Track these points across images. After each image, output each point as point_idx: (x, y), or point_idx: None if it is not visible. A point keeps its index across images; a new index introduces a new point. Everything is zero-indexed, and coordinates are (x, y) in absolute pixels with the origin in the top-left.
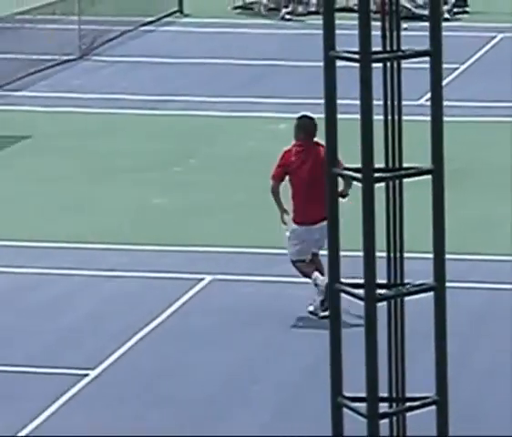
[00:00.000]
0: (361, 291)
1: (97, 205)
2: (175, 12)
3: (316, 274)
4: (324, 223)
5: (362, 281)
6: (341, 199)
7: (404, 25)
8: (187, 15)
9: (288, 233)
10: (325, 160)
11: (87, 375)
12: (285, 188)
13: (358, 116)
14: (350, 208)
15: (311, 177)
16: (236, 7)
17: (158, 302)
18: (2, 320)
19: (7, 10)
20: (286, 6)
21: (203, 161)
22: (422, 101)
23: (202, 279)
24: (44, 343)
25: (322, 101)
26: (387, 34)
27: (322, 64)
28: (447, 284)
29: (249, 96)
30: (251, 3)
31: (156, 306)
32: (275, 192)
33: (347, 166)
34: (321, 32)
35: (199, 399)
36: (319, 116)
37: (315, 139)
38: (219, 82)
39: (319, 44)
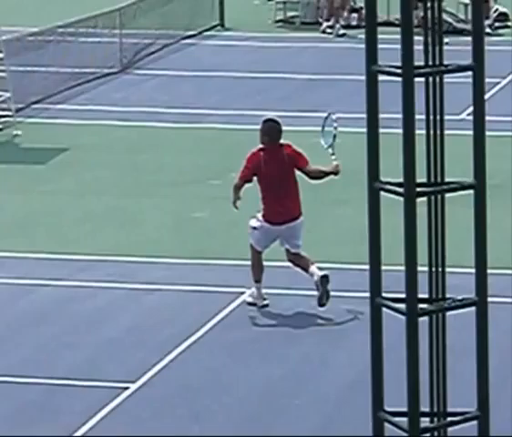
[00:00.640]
0: (402, 306)
1: (137, 218)
2: (216, 26)
3: (253, 290)
4: (293, 223)
5: (403, 296)
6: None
7: (446, 39)
8: (228, 29)
9: (254, 223)
10: (367, 175)
11: (127, 388)
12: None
13: (400, 131)
14: (392, 222)
15: (277, 179)
16: (277, 21)
17: (198, 316)
18: (44, 332)
19: (49, 23)
20: (327, 20)
21: None
22: (463, 115)
23: (243, 293)
24: (85, 356)
25: (364, 115)
26: (429, 48)
27: (363, 78)
28: (489, 299)
29: (289, 110)
30: (292, 17)
31: (196, 319)
32: (237, 188)
33: (389, 180)
34: (362, 46)
35: (240, 413)
36: (361, 131)
37: (280, 142)
38: (259, 96)
39: (360, 58)
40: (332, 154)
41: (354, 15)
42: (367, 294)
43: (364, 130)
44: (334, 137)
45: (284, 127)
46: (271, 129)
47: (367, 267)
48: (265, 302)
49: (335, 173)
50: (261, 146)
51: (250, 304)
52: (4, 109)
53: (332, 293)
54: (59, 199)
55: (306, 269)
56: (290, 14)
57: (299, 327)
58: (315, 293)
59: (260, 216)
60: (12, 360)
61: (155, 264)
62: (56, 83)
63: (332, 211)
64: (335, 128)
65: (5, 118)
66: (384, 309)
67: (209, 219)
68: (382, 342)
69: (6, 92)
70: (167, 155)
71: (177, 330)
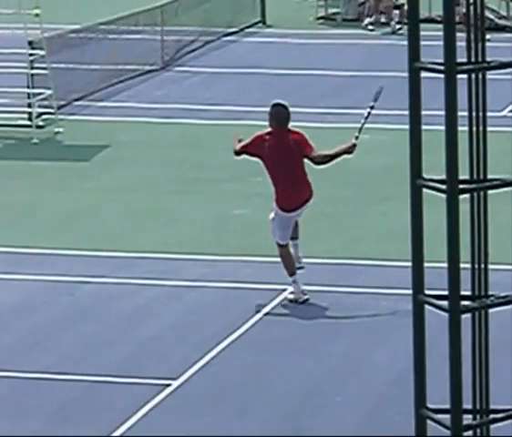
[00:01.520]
0: (445, 303)
1: (178, 215)
2: (257, 22)
3: (295, 278)
4: (305, 206)
5: (446, 293)
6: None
7: (487, 36)
8: (269, 26)
9: (272, 215)
10: (409, 172)
11: (169, 385)
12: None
13: (442, 128)
14: (434, 218)
15: (286, 164)
16: (318, 18)
17: (240, 313)
18: (86, 330)
19: (91, 20)
20: (370, 16)
21: None
22: (505, 112)
23: (284, 290)
24: (126, 353)
25: (406, 112)
26: (472, 45)
27: (404, 74)
28: None
29: (332, 106)
30: (334, 13)
31: (238, 316)
32: (235, 152)
33: (431, 177)
34: (403, 42)
35: (281, 410)
36: (403, 128)
37: (289, 127)
38: (301, 93)
39: (401, 54)
40: (358, 132)
41: (396, 11)
42: (409, 291)
43: (406, 127)
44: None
45: (325, 124)
46: (280, 114)
47: (409, 264)
48: (305, 297)
49: (349, 151)
50: (269, 129)
51: (291, 301)
52: (45, 106)
53: (373, 290)
54: (100, 196)
55: (290, 272)
56: (331, 10)
57: (340, 324)
58: (355, 290)
59: (274, 205)
60: (54, 358)
61: (196, 261)
62: (97, 80)
63: (375, 208)
64: (371, 108)
65: (47, 116)
66: (426, 306)
67: (250, 216)
68: (424, 339)
69: (48, 89)
70: (207, 152)
71: (218, 327)
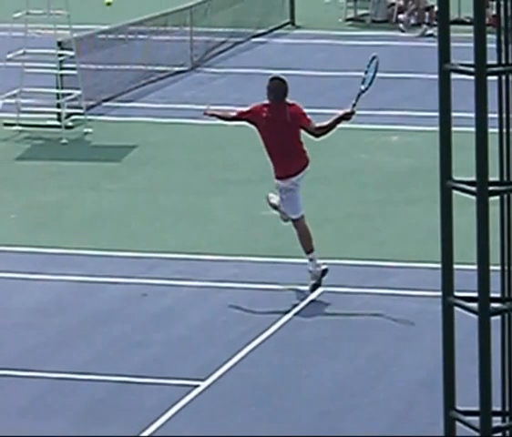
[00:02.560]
0: (474, 305)
1: (206, 216)
2: (287, 24)
3: (314, 255)
4: (303, 173)
5: (475, 295)
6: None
7: None
8: (298, 27)
9: (274, 200)
10: (439, 173)
11: (197, 386)
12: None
13: (472, 129)
14: (464, 220)
15: (283, 136)
16: (347, 19)
17: (268, 314)
18: (115, 330)
19: (120, 21)
20: (429, 24)
21: (314, 173)
22: None
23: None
24: (155, 354)
25: (435, 114)
26: (502, 47)
27: (433, 76)
28: None
29: (361, 108)
30: (363, 15)
31: (267, 317)
32: (227, 116)
33: (461, 179)
34: (432, 44)
35: (309, 412)
36: (431, 129)
37: (286, 100)
38: (330, 94)
39: (430, 56)
40: (357, 99)
41: (426, 13)
42: (437, 293)
43: (435, 129)
44: (370, 83)
45: (354, 125)
46: (278, 87)
47: (439, 265)
48: (324, 267)
49: (346, 118)
50: (266, 102)
51: (314, 286)
52: (75, 107)
53: (403, 292)
54: (129, 197)
55: (308, 250)
56: (360, 12)
57: (369, 325)
58: (385, 292)
59: (275, 183)
60: (82, 358)
61: (225, 262)
62: (126, 81)
63: (404, 210)
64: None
65: (76, 116)
66: (455, 308)
67: (278, 217)
68: (454, 341)
69: (77, 90)
70: (237, 153)
71: (247, 327)
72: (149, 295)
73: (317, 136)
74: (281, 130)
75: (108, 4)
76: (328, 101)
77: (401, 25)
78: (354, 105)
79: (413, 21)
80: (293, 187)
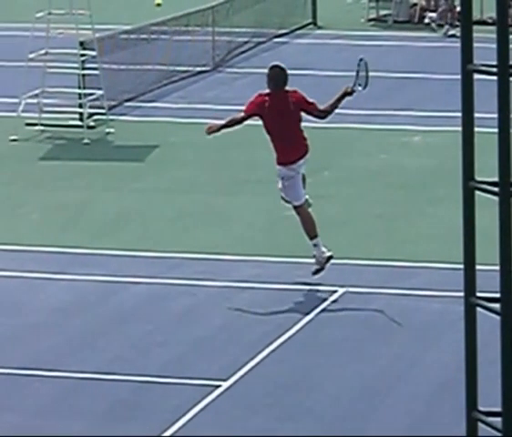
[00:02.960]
0: (497, 306)
1: (229, 216)
2: (309, 24)
3: (318, 241)
4: (303, 159)
5: (498, 295)
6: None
7: None
8: (320, 27)
9: (280, 184)
10: (462, 174)
11: (219, 386)
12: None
13: (495, 130)
14: (486, 221)
15: (284, 123)
16: (370, 20)
17: (290, 314)
18: (135, 330)
19: (143, 21)
20: (451, 24)
21: (337, 173)
22: None
23: (335, 292)
24: (177, 354)
25: (456, 114)
26: None
27: (454, 76)
28: None
29: (383, 108)
30: (385, 15)
31: (288, 318)
32: (235, 120)
33: (483, 179)
34: (453, 44)
35: (331, 412)
36: (454, 129)
37: (286, 88)
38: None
39: (451, 56)
40: (354, 85)
41: (448, 13)
42: (461, 293)
43: (457, 129)
44: (365, 82)
45: (376, 126)
46: (277, 75)
47: (460, 266)
48: (329, 254)
49: (349, 93)
50: (267, 91)
51: (317, 271)
52: (96, 107)
53: (425, 292)
54: (151, 197)
55: (312, 236)
56: (382, 12)
57: (391, 326)
58: (407, 292)
59: (277, 168)
60: (104, 358)
61: (247, 262)
62: (148, 81)
63: (427, 210)
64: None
65: (98, 116)
66: (477, 308)
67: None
68: (476, 342)
69: (99, 90)
70: (259, 153)
71: (268, 328)
72: (171, 295)
73: (323, 117)
74: (283, 117)
75: (158, 4)
76: (349, 101)
77: (433, 25)
78: (354, 84)
79: (439, 22)
80: (294, 173)
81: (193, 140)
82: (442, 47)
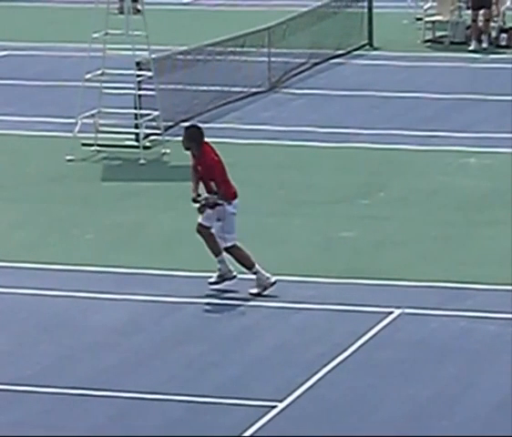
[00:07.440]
0: None
1: (284, 237)
2: (365, 45)
3: (258, 268)
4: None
5: None
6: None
7: None
8: (376, 49)
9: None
10: None
11: (274, 407)
12: None
13: None
14: None
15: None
16: (426, 41)
17: (346, 335)
18: (190, 350)
19: (198, 42)
20: (508, 46)
21: (392, 194)
22: None
23: (391, 313)
24: (232, 374)
25: None
26: None
27: (510, 97)
28: None
29: (438, 129)
30: (441, 36)
31: (344, 339)
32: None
33: None
34: (510, 66)
35: (387, 434)
36: (510, 151)
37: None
38: (407, 115)
39: (509, 77)
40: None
41: (504, 35)
42: None
43: None
44: None
45: (432, 147)
46: (197, 135)
47: None
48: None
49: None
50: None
51: (253, 294)
52: (153, 127)
53: (480, 314)
54: None
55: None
56: (439, 33)
57: (446, 348)
58: (462, 314)
59: (225, 207)
60: (159, 378)
61: (302, 283)
62: (204, 101)
63: (482, 232)
64: None
65: (154, 136)
66: None
67: (356, 239)
68: None
69: (155, 110)
70: (315, 174)
71: (324, 349)
72: (226, 315)
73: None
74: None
75: None
76: (405, 122)
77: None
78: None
79: (485, 45)
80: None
81: (249, 161)
82: (498, 69)
